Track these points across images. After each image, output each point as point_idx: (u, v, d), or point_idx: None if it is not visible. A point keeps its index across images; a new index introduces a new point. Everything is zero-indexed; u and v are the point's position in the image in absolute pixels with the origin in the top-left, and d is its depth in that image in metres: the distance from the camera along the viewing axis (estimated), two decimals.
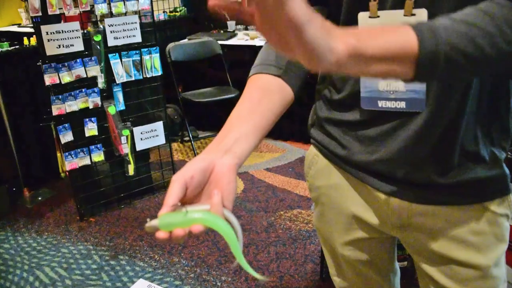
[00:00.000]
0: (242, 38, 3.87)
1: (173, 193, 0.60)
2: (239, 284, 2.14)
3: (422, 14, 0.68)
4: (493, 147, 0.77)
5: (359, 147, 0.82)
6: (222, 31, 4.17)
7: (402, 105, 0.75)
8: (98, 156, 2.65)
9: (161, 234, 0.58)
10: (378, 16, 0.71)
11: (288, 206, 2.82)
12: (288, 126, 3.67)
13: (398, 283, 1.07)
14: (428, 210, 0.80)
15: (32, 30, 3.77)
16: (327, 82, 0.87)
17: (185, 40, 3.82)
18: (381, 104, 0.77)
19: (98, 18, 2.60)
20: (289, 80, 0.78)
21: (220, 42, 3.72)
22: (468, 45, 0.54)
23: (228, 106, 3.54)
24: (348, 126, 0.83)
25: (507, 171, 0.80)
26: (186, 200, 0.62)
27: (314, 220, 1.02)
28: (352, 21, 0.75)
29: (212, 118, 3.98)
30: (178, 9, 4.28)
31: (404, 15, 0.69)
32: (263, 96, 0.75)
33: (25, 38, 3.34)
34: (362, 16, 0.73)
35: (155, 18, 3.01)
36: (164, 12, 4.18)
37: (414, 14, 0.68)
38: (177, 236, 0.58)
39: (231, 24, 4.18)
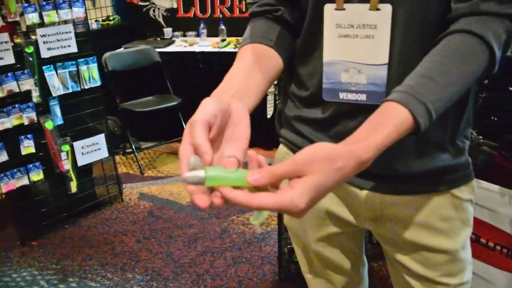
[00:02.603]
0: (180, 45, 3.82)
1: (199, 133, 0.53)
2: None
3: (386, 9, 0.70)
4: (457, 137, 0.80)
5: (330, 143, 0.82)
6: (159, 39, 4.09)
7: (362, 97, 0.76)
8: (37, 175, 2.50)
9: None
10: (344, 9, 0.72)
11: (239, 210, 2.80)
12: None
13: (366, 274, 1.10)
14: (399, 200, 0.83)
15: None
16: (294, 80, 0.87)
17: (122, 49, 3.70)
18: (342, 96, 0.78)
19: (25, 29, 2.44)
20: (280, 51, 0.78)
21: (158, 49, 3.64)
22: (453, 95, 0.64)
23: (170, 114, 3.53)
24: (317, 124, 0.84)
25: (469, 158, 0.84)
26: None
27: (286, 218, 1.02)
28: (318, 13, 0.75)
29: (155, 128, 3.89)
30: (111, 18, 4.14)
31: (369, 9, 0.71)
32: (259, 59, 0.74)
33: None
34: (328, 7, 0.74)
35: None
36: (96, 21, 4.03)
37: (379, 9, 0.70)
38: (225, 195, 0.50)
39: (167, 31, 4.11)
